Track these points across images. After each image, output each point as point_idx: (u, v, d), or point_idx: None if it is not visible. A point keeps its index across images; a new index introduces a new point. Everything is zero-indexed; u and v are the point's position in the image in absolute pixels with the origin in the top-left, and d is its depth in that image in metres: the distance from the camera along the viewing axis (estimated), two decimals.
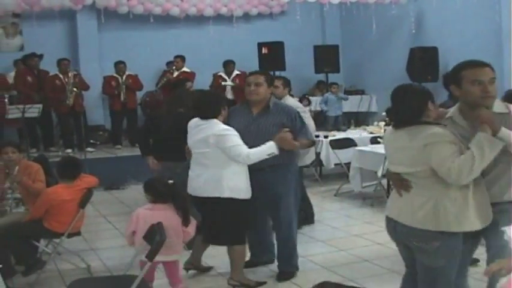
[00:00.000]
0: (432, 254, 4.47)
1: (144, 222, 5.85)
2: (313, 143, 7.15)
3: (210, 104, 6.67)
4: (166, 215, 5.95)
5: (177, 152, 7.58)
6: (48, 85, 14.47)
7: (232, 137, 6.43)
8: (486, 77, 4.40)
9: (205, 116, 6.60)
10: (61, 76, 14.44)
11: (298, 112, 6.97)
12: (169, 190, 6.16)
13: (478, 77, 4.40)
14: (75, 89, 14.31)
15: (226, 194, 6.46)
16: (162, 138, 8.48)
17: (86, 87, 14.98)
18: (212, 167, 6.51)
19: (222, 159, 6.45)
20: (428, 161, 4.36)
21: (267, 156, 6.46)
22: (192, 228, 6.23)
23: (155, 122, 8.78)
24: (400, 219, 4.59)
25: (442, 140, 4.31)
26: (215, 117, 6.56)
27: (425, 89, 4.68)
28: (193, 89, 10.88)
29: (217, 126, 6.50)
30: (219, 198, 6.48)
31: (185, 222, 6.09)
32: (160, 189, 6.13)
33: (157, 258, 5.40)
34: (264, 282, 6.99)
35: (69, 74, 14.40)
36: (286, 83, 8.90)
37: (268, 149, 6.45)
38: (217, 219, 6.58)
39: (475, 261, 5.58)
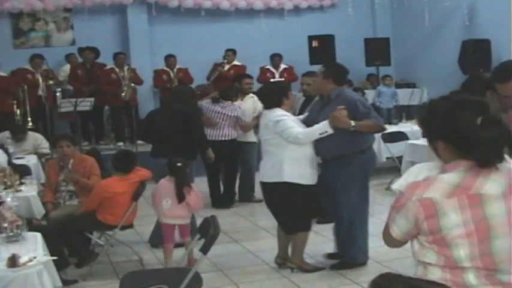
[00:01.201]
0: None
1: (159, 189, 7.24)
2: (380, 127, 7.01)
3: (269, 94, 7.04)
4: (173, 186, 7.14)
5: (175, 148, 7.97)
6: (103, 78, 14.63)
7: (286, 121, 6.66)
8: None
9: (267, 106, 6.98)
10: (117, 70, 14.60)
11: (360, 99, 6.93)
12: (174, 169, 7.23)
13: None
14: (132, 84, 14.51)
15: (285, 179, 6.64)
16: (160, 134, 8.46)
17: (140, 82, 15.17)
18: (274, 152, 6.76)
19: (282, 145, 6.68)
20: None
21: (320, 136, 6.56)
22: (193, 201, 7.18)
23: (152, 118, 8.80)
24: None
25: None
26: (277, 106, 6.82)
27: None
28: (250, 84, 10.91)
29: (274, 113, 6.76)
30: (279, 183, 6.69)
31: (178, 198, 7.09)
32: (170, 167, 7.25)
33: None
34: (323, 268, 7.09)
35: (125, 68, 14.56)
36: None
37: (320, 128, 6.55)
38: (279, 205, 6.86)
39: None
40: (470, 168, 2.86)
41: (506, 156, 2.88)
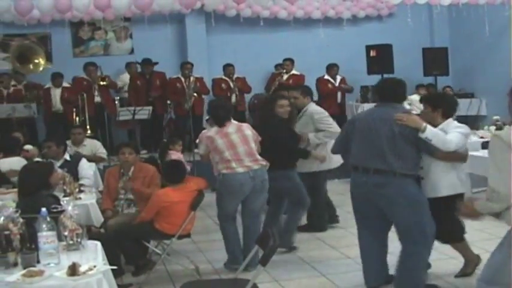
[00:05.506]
0: None
1: None
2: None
3: None
4: None
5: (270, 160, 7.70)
6: (170, 87, 14.96)
7: None
8: None
9: None
10: (182, 79, 14.82)
11: None
12: None
13: None
14: (195, 94, 14.69)
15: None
16: (274, 145, 8.06)
17: (206, 91, 15.29)
18: None
19: None
20: None
21: None
22: None
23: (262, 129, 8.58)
24: None
25: None
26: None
27: None
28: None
29: None
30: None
31: None
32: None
33: None
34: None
35: (191, 78, 14.76)
36: (306, 91, 9.15)
37: None
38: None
39: None
40: (222, 126, 7.39)
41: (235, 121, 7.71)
